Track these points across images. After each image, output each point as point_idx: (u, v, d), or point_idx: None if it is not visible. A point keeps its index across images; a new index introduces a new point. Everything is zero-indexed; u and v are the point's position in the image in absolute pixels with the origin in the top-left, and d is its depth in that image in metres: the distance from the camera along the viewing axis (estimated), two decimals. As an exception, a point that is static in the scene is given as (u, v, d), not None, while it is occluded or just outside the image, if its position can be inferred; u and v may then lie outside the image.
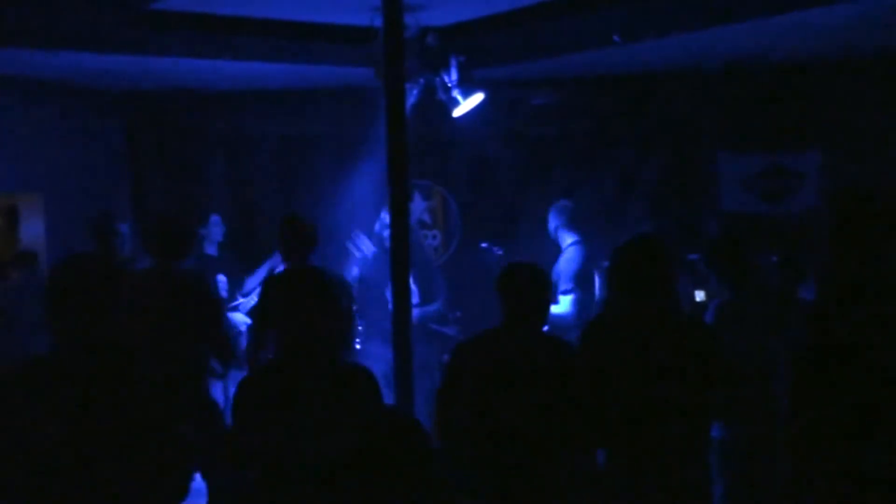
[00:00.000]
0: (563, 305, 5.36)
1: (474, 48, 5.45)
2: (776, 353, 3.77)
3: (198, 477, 3.93)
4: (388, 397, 3.65)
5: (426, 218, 7.34)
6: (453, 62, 5.38)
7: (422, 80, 5.44)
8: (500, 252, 5.53)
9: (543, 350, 3.28)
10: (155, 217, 4.53)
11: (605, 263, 5.56)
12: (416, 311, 4.60)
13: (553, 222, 5.69)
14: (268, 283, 4.35)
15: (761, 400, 3.76)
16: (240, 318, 5.81)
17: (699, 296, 5.16)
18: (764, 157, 6.61)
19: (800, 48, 5.77)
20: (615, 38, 5.20)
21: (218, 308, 4.46)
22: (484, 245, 5.50)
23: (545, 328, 3.55)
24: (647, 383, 3.07)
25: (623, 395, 3.11)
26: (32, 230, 6.34)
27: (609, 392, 3.12)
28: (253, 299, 5.52)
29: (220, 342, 4.29)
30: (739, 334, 3.89)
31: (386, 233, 5.62)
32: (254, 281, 5.84)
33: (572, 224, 5.63)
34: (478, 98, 5.56)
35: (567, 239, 5.58)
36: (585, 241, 5.53)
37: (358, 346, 5.77)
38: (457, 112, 5.58)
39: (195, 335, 4.15)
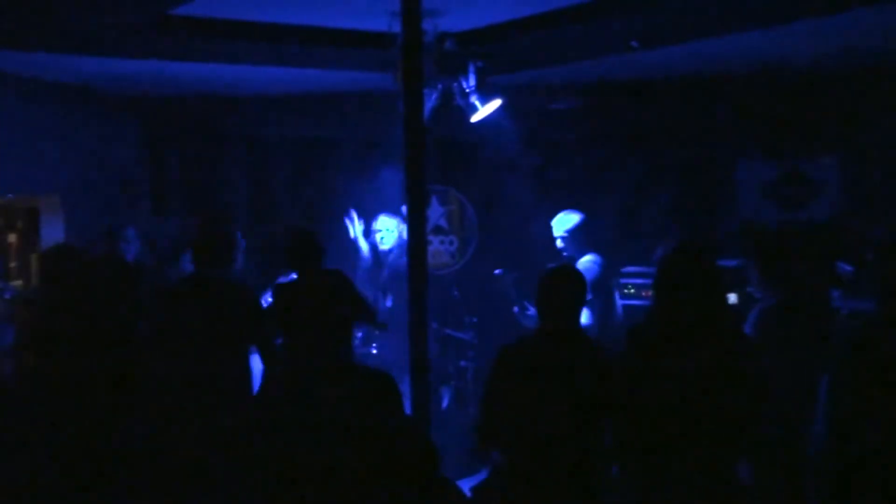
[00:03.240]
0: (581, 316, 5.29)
1: (492, 54, 5.45)
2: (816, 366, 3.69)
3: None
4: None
5: (443, 223, 7.34)
6: (471, 67, 5.38)
7: (440, 86, 5.44)
8: (515, 275, 5.45)
9: (585, 353, 3.27)
10: (200, 227, 4.58)
11: (625, 269, 5.58)
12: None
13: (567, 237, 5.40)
14: (278, 292, 4.38)
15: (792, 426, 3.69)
16: None
17: (731, 298, 5.06)
18: (783, 164, 6.57)
19: (819, 54, 5.73)
20: (633, 43, 5.19)
21: (261, 315, 4.48)
22: (498, 272, 5.42)
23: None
24: (684, 394, 3.05)
25: (658, 404, 3.08)
26: (53, 232, 6.39)
27: (644, 401, 3.10)
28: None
29: (264, 348, 4.32)
30: (784, 343, 3.80)
31: (377, 238, 5.70)
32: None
33: (587, 237, 5.50)
34: (496, 104, 5.55)
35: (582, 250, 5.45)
36: (600, 251, 5.46)
37: (374, 351, 5.79)
38: (475, 117, 5.58)
39: (238, 342, 4.20)
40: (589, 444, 3.21)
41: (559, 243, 5.30)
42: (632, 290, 5.56)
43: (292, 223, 5.86)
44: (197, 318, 4.13)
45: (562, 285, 3.40)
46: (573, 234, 5.25)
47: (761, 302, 4.05)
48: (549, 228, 5.38)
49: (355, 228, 5.83)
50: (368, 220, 5.89)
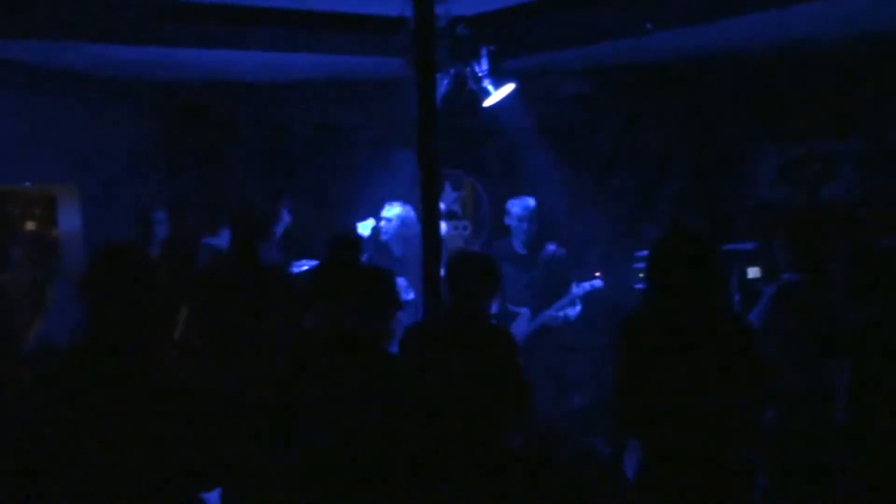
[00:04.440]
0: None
1: (505, 38, 5.43)
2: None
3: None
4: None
5: (456, 208, 7.34)
6: (484, 52, 5.36)
7: (452, 71, 5.43)
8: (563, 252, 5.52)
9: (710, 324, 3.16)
10: (237, 206, 4.60)
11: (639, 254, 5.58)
12: None
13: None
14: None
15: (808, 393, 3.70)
16: None
17: (752, 272, 5.00)
18: (798, 147, 6.53)
19: (836, 37, 5.68)
20: (648, 26, 5.16)
21: (297, 296, 4.50)
22: (551, 247, 5.48)
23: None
24: (683, 381, 3.04)
25: (659, 391, 3.08)
26: (69, 220, 6.44)
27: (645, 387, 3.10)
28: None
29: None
30: (801, 320, 3.80)
31: (382, 226, 5.65)
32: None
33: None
34: (509, 88, 5.54)
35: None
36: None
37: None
38: (487, 102, 5.57)
39: (277, 322, 4.21)
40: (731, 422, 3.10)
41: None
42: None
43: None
44: (236, 299, 4.21)
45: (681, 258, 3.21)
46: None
47: (783, 278, 4.05)
48: (563, 212, 5.41)
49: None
50: (381, 207, 5.84)
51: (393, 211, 5.65)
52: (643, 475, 3.15)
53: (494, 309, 5.40)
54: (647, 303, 3.22)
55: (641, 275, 5.51)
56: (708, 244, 3.12)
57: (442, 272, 4.31)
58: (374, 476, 2.82)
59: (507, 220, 5.60)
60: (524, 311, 5.37)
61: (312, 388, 2.93)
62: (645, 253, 5.54)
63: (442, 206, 6.58)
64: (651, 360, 3.05)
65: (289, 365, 3.02)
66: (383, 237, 5.64)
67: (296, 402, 2.91)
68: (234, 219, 4.46)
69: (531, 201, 5.57)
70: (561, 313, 5.41)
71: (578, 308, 5.43)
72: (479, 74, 5.42)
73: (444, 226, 5.53)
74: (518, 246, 5.58)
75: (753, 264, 4.98)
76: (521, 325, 5.35)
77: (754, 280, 4.93)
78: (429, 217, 3.99)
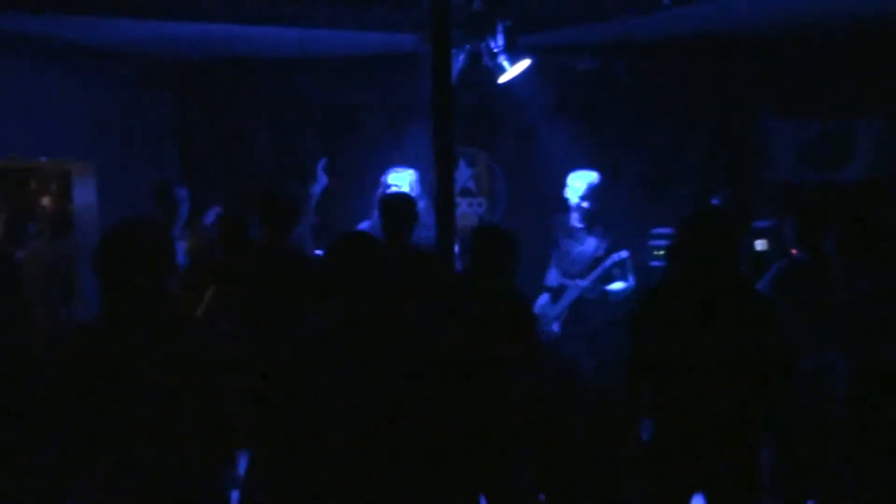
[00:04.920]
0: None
1: (521, 14, 5.38)
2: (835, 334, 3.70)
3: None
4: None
5: (471, 185, 7.32)
6: (500, 28, 5.31)
7: (468, 47, 5.39)
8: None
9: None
10: (266, 191, 4.58)
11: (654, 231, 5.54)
12: None
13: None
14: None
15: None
16: None
17: (759, 245, 5.03)
18: (817, 124, 6.46)
19: (854, 12, 5.59)
20: (665, 1, 5.10)
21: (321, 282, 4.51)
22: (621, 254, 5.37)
23: None
24: (702, 356, 3.04)
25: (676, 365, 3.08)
26: (84, 197, 6.46)
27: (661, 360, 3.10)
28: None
29: None
30: (805, 301, 3.82)
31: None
32: None
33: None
34: (524, 64, 5.49)
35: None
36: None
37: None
38: (503, 78, 5.53)
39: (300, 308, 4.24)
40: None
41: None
42: (661, 253, 5.52)
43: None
44: (266, 282, 4.24)
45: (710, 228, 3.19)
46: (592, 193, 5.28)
47: (793, 255, 4.05)
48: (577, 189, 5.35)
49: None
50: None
51: (401, 176, 5.54)
52: (654, 446, 3.19)
53: (552, 280, 5.39)
54: (673, 277, 3.22)
55: (657, 252, 5.50)
56: (737, 220, 3.14)
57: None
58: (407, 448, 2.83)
59: (567, 194, 5.43)
60: (579, 284, 5.30)
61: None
62: (662, 230, 5.54)
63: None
64: (678, 332, 3.07)
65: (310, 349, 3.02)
66: None
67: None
68: (263, 204, 4.46)
69: (594, 175, 5.38)
70: (607, 287, 5.31)
71: (631, 282, 5.32)
72: (495, 50, 5.37)
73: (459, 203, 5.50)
74: (576, 220, 5.41)
75: (761, 237, 5.00)
76: (569, 297, 5.30)
77: (762, 252, 4.96)
78: (443, 194, 3.98)
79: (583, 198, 5.31)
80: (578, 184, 5.35)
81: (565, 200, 5.41)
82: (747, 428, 3.11)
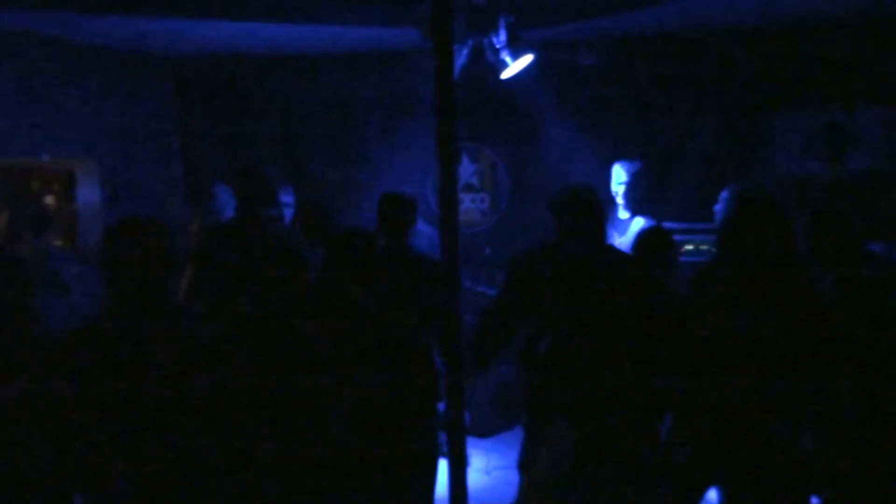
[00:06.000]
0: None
1: (523, 8, 5.36)
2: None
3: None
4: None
5: (474, 181, 7.31)
6: (502, 23, 5.29)
7: (470, 42, 5.37)
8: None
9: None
10: (384, 197, 4.51)
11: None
12: None
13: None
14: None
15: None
16: None
17: None
18: (822, 116, 6.44)
19: (858, 3, 5.57)
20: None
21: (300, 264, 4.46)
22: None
23: None
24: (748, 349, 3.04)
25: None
26: (88, 195, 6.47)
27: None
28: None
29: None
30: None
31: None
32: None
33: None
34: (527, 59, 5.47)
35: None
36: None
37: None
38: (505, 74, 5.51)
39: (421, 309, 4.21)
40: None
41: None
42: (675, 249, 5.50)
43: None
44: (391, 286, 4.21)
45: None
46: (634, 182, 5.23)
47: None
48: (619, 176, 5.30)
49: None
50: (405, 177, 5.71)
51: None
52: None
53: None
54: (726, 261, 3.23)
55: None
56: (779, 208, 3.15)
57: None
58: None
59: (613, 185, 5.38)
60: None
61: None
62: (668, 225, 5.52)
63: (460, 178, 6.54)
64: (724, 309, 3.08)
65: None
66: None
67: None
68: (237, 185, 4.42)
69: (637, 164, 5.34)
70: None
71: None
72: (497, 46, 5.35)
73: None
74: (621, 209, 5.38)
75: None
76: None
77: None
78: (446, 190, 3.96)
79: (624, 184, 5.28)
80: (620, 171, 5.33)
81: (612, 194, 5.36)
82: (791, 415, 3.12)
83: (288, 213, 5.35)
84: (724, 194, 5.06)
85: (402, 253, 4.26)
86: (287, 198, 5.44)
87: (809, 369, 3.04)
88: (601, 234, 3.68)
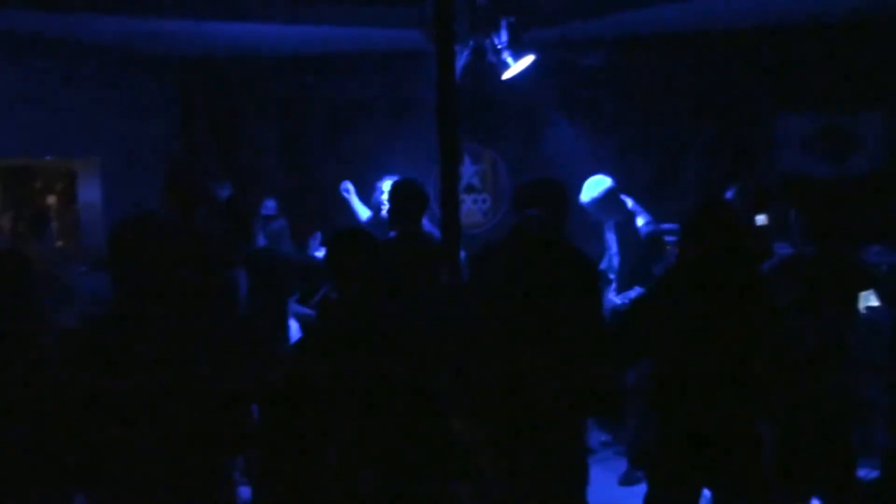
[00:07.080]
0: None
1: (525, 9, 5.37)
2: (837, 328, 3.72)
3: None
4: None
5: (475, 181, 7.32)
6: (504, 23, 5.30)
7: (472, 42, 5.37)
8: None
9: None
10: (398, 186, 4.47)
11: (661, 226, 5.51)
12: None
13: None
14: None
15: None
16: None
17: (760, 220, 5.00)
18: (823, 118, 6.44)
19: (859, 5, 5.58)
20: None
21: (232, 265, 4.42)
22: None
23: None
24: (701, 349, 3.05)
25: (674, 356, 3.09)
26: (90, 194, 6.47)
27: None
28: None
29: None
30: (805, 295, 3.83)
31: (383, 199, 5.49)
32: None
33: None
34: (528, 60, 5.48)
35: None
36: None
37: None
38: (507, 74, 5.51)
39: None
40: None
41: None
42: (669, 248, 5.52)
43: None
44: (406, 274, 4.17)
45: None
46: (600, 202, 5.02)
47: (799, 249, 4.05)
48: (581, 184, 5.29)
49: (352, 200, 5.74)
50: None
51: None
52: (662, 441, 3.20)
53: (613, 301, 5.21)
54: (679, 268, 3.25)
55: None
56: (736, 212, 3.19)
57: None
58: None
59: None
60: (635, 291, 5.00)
61: None
62: (667, 226, 5.53)
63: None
64: (685, 323, 3.10)
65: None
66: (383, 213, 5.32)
67: None
68: (169, 181, 4.32)
69: (601, 185, 5.04)
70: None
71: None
72: (499, 46, 5.36)
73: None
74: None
75: (760, 212, 4.99)
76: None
77: (762, 226, 4.96)
78: (448, 191, 3.96)
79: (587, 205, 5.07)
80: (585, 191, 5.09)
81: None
82: (753, 420, 3.12)
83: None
84: (727, 195, 5.07)
85: (417, 239, 4.26)
86: (224, 191, 5.36)
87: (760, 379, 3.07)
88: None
